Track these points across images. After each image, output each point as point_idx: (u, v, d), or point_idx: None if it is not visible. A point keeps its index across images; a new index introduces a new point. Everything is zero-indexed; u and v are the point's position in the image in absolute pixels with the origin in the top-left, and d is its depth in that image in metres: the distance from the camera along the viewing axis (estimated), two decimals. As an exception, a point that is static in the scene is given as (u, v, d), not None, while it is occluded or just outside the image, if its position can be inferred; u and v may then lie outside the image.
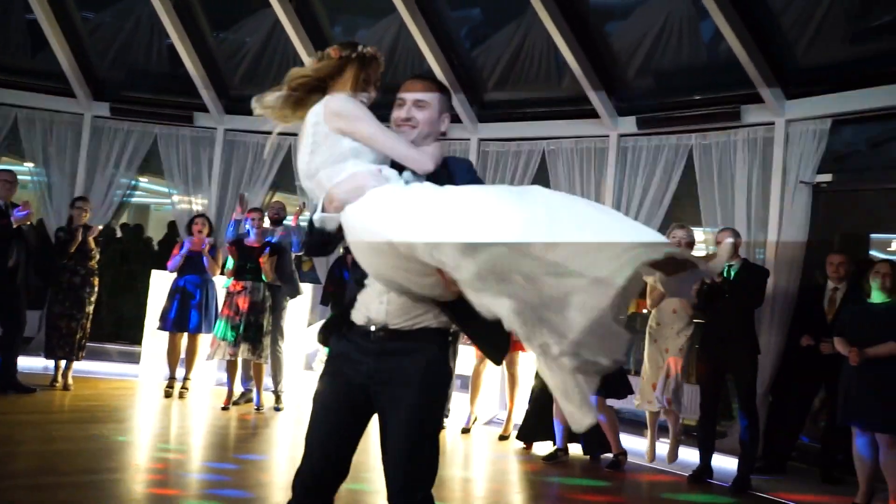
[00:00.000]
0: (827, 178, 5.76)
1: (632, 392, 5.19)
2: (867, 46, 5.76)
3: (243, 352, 5.95)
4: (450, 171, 2.15)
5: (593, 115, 6.96)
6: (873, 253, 6.06)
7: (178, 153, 8.52)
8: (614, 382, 4.95)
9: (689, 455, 5.16)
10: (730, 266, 5.07)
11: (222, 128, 8.49)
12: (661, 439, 5.31)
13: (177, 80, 8.60)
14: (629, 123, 6.85)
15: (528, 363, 5.97)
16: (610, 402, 5.18)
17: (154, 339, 7.14)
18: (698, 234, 6.33)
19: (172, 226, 8.92)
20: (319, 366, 6.26)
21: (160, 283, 7.19)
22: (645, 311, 5.55)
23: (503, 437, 5.86)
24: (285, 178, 8.43)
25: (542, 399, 5.31)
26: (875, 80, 5.51)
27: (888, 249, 6.08)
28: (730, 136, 6.30)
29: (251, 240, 6.07)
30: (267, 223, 6.43)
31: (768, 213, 5.98)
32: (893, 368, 4.40)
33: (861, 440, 4.60)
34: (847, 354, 4.50)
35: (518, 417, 5.82)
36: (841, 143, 5.77)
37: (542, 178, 7.40)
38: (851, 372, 4.53)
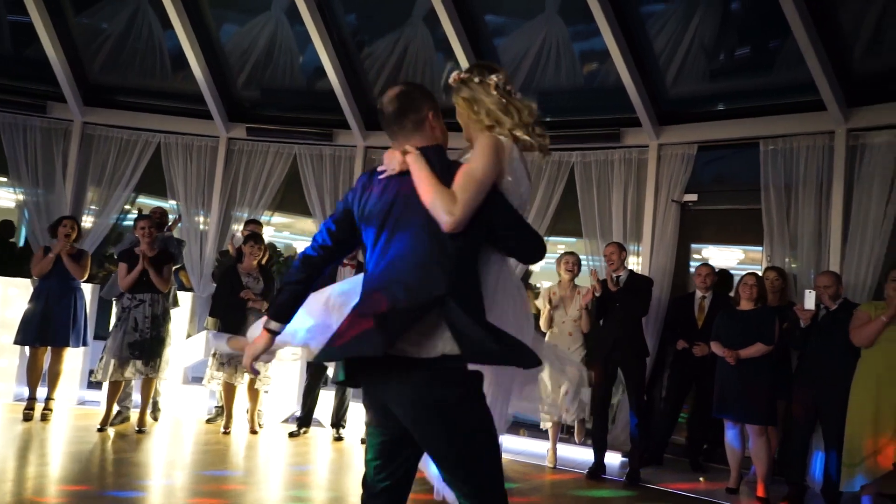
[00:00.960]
0: (693, 197, 6.44)
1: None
2: (725, 83, 6.51)
3: (135, 370, 5.51)
4: None
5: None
6: (730, 265, 6.86)
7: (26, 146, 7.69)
8: None
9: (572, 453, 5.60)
10: (618, 276, 5.52)
11: (80, 120, 7.78)
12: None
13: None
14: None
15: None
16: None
17: (5, 355, 6.39)
18: (579, 244, 6.84)
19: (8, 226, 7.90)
20: (211, 380, 5.96)
21: (12, 291, 6.45)
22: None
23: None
24: (154, 180, 7.89)
25: None
26: (733, 113, 6.27)
27: (741, 261, 6.89)
28: (608, 155, 6.84)
29: (143, 248, 5.61)
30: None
31: (642, 228, 6.56)
32: (760, 367, 5.04)
33: (732, 431, 5.22)
34: (724, 356, 5.08)
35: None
36: (704, 166, 6.47)
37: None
38: (724, 371, 5.13)
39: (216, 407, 6.40)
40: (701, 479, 5.49)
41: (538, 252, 2.30)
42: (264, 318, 2.26)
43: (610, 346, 5.38)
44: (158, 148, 7.87)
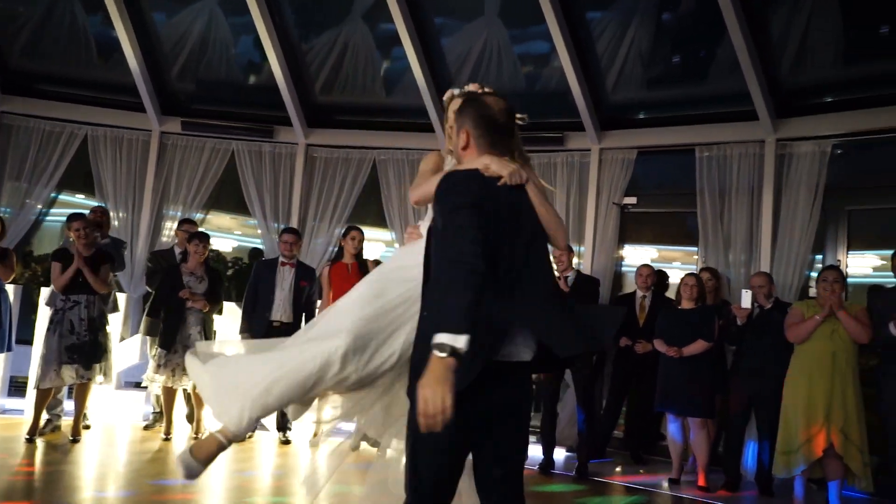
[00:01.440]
0: (632, 200, 6.69)
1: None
2: (663, 91, 6.80)
3: (73, 375, 5.21)
4: None
5: (428, 128, 7.23)
6: (667, 265, 7.16)
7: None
8: None
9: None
10: (566, 276, 5.67)
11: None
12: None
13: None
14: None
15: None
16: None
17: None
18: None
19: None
20: (150, 383, 5.72)
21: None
22: None
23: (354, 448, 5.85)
24: (79, 175, 7.49)
25: None
26: (671, 120, 6.56)
27: (677, 263, 7.21)
28: (551, 158, 7.01)
29: (79, 249, 5.31)
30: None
31: (584, 229, 6.76)
32: (701, 363, 5.30)
33: (674, 425, 5.46)
34: (668, 353, 5.31)
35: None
36: (643, 170, 6.73)
37: (373, 187, 7.50)
38: (667, 367, 5.36)
39: (154, 412, 6.14)
40: (641, 470, 5.72)
41: None
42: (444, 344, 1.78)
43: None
44: (85, 141, 7.47)
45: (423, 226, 2.41)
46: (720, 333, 5.42)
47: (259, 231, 7.62)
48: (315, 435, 5.81)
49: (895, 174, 5.90)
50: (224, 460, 5.30)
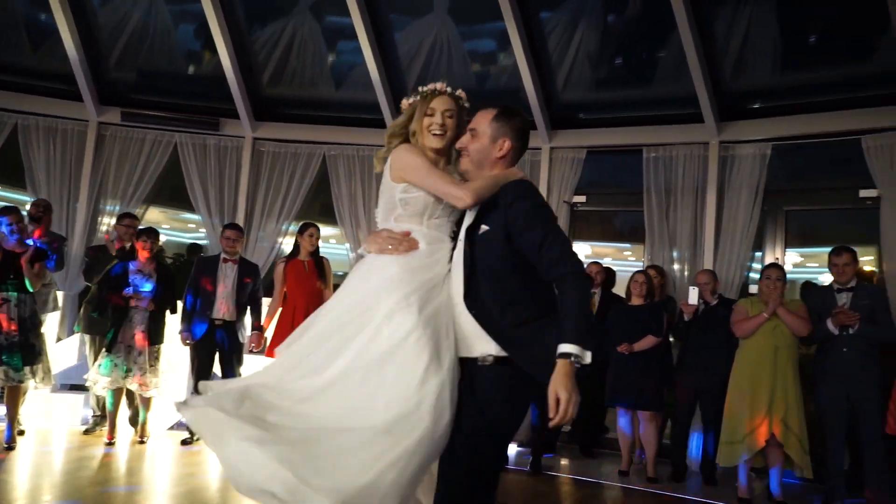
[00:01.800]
0: (582, 198, 6.82)
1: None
2: (612, 92, 6.95)
3: (3, 377, 4.93)
4: (497, 201, 2.18)
5: (381, 125, 7.17)
6: (614, 262, 7.34)
7: None
8: None
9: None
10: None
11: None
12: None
13: None
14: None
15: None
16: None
17: None
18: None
19: None
20: (93, 385, 5.49)
21: None
22: None
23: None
24: (9, 166, 7.10)
25: None
26: (619, 121, 6.71)
27: (623, 260, 7.41)
28: (502, 157, 7.05)
29: (11, 244, 5.03)
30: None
31: (535, 227, 6.84)
32: (650, 358, 5.46)
33: (624, 419, 5.62)
34: (619, 349, 5.45)
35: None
36: (592, 170, 6.87)
37: (323, 182, 7.39)
38: (617, 363, 5.50)
39: (94, 416, 5.90)
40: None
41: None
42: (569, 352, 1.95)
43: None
44: (15, 130, 7.09)
45: (396, 227, 2.28)
46: (668, 329, 5.60)
47: (190, 225, 7.41)
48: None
49: (829, 176, 6.23)
50: (173, 464, 5.16)
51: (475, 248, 2.17)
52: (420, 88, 2.39)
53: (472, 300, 2.12)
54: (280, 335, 5.64)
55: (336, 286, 7.18)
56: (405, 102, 2.41)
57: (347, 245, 7.33)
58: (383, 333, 2.06)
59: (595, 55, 6.84)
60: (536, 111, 6.64)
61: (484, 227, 2.17)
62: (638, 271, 5.82)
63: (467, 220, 2.25)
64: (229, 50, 6.91)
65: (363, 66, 7.30)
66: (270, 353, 5.73)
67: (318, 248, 5.87)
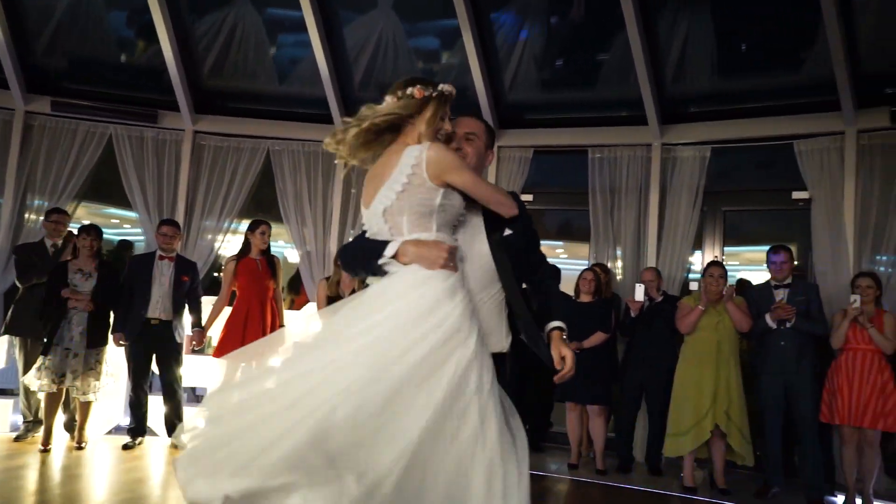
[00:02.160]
0: (529, 197, 6.91)
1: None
2: (558, 93, 7.08)
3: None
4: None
5: (329, 120, 7.07)
6: (560, 261, 7.47)
7: None
8: None
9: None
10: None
11: None
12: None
13: None
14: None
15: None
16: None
17: None
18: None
19: None
20: (30, 388, 5.19)
21: None
22: None
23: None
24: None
25: None
26: (566, 122, 6.85)
27: (569, 259, 7.55)
28: (450, 155, 7.07)
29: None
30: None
31: (483, 225, 6.89)
32: (599, 353, 5.60)
33: (573, 414, 5.75)
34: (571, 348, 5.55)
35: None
36: (539, 168, 6.97)
37: (267, 177, 7.22)
38: (567, 358, 5.61)
39: (26, 422, 5.58)
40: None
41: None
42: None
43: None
44: (-69, 118, 6.63)
45: (419, 236, 2.12)
46: (615, 325, 5.76)
47: (114, 221, 7.11)
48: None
49: (764, 179, 6.54)
50: (112, 469, 4.94)
51: (495, 251, 2.29)
52: (442, 87, 2.25)
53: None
54: (231, 336, 5.50)
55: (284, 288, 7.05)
56: (418, 91, 2.19)
57: (292, 244, 7.19)
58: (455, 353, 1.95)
59: (539, 56, 6.95)
60: (486, 110, 6.70)
61: (508, 231, 2.30)
62: (586, 269, 5.96)
63: (472, 225, 2.30)
64: (171, 39, 6.64)
65: (308, 61, 7.18)
66: (219, 354, 5.57)
67: (269, 246, 5.76)
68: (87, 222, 6.10)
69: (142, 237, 7.16)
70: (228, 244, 7.18)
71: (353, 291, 5.55)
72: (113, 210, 7.93)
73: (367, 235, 2.23)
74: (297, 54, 7.45)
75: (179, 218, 6.86)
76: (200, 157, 7.18)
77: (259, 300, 5.54)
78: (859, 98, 5.63)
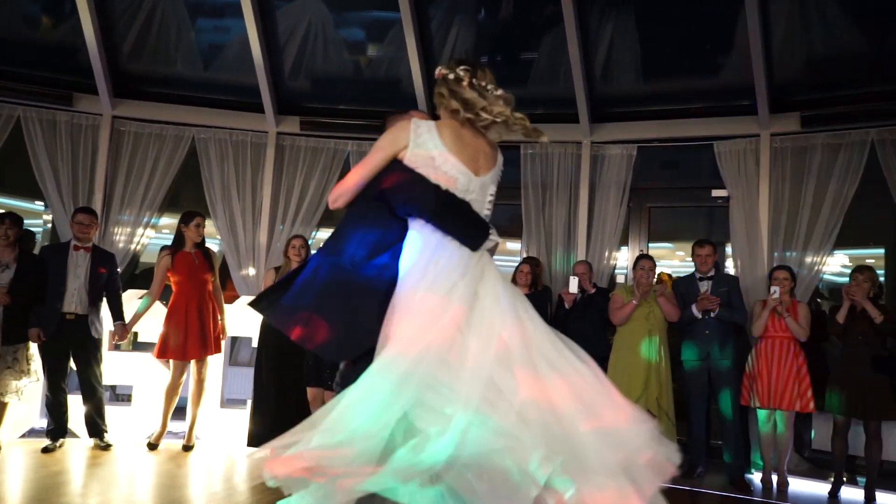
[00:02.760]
0: (462, 191, 6.97)
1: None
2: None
3: None
4: None
5: (258, 108, 6.87)
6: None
7: None
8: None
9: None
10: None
11: None
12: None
13: None
14: (293, 123, 7.00)
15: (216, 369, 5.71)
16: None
17: None
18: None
19: None
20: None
21: None
22: None
23: (187, 448, 5.45)
24: None
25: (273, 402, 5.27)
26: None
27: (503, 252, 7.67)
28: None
29: None
30: None
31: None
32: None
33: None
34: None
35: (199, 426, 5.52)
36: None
37: (192, 165, 6.94)
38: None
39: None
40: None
41: (429, 202, 2.28)
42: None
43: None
44: None
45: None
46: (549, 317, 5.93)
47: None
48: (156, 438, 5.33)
49: (686, 177, 6.91)
50: (39, 474, 4.63)
51: None
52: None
53: None
54: (173, 333, 5.28)
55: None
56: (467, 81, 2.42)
57: (217, 237, 6.95)
58: None
59: (470, 52, 7.03)
60: (422, 105, 6.72)
61: None
62: (523, 261, 6.10)
63: None
64: (91, 14, 6.25)
65: (234, 46, 6.96)
66: (161, 353, 5.34)
67: (204, 238, 5.55)
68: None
69: (41, 228, 6.72)
70: (149, 240, 6.87)
71: None
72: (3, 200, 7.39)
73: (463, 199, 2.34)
74: (222, 39, 7.20)
75: (97, 208, 6.47)
76: (119, 143, 6.81)
77: (198, 294, 5.34)
78: (773, 103, 6.03)
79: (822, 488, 5.16)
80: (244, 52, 6.67)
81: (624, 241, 6.71)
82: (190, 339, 5.25)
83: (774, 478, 5.23)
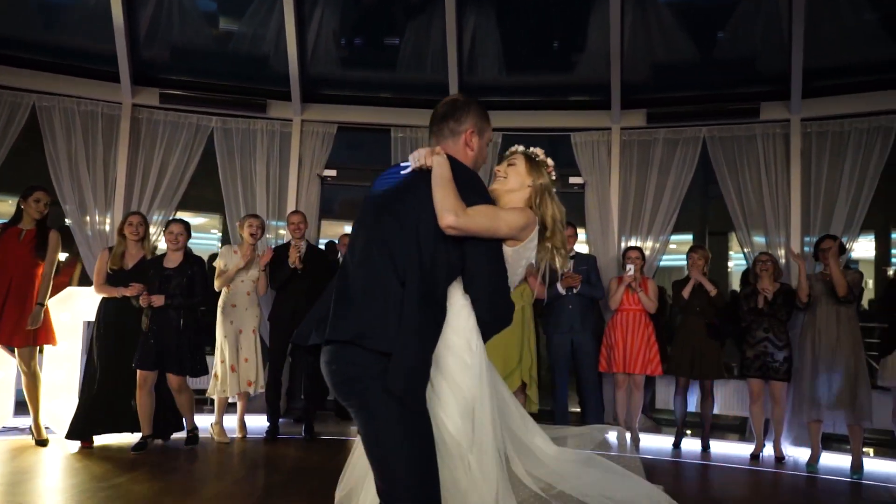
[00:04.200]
0: (332, 172, 6.98)
1: (206, 373, 5.26)
2: (361, 72, 7.22)
3: None
4: None
5: (112, 77, 6.37)
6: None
7: None
8: (193, 361, 5.03)
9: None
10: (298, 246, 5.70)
11: None
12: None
13: None
14: (151, 95, 6.58)
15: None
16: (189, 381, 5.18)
17: None
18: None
19: None
20: None
21: None
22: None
23: (41, 443, 4.99)
24: None
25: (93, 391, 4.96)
26: (370, 101, 7.03)
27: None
28: (250, 126, 6.84)
29: None
30: None
31: (286, 200, 6.81)
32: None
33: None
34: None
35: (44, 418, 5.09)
36: (342, 145, 7.07)
37: (34, 136, 6.29)
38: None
39: None
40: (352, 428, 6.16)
41: (501, 313, 2.22)
42: None
43: (289, 314, 5.56)
44: None
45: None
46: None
47: None
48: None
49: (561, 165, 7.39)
50: None
51: None
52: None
53: None
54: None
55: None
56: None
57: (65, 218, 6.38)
58: None
59: (339, 33, 7.03)
60: (294, 82, 6.62)
61: None
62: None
63: None
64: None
65: (83, 7, 6.41)
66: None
67: (45, 216, 5.06)
68: None
69: None
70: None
71: (141, 261, 5.14)
72: None
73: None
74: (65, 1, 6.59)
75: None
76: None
77: (16, 277, 4.86)
78: (623, 100, 6.67)
79: (666, 442, 5.87)
80: (97, 13, 6.15)
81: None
82: (3, 325, 4.82)
83: (628, 435, 5.85)
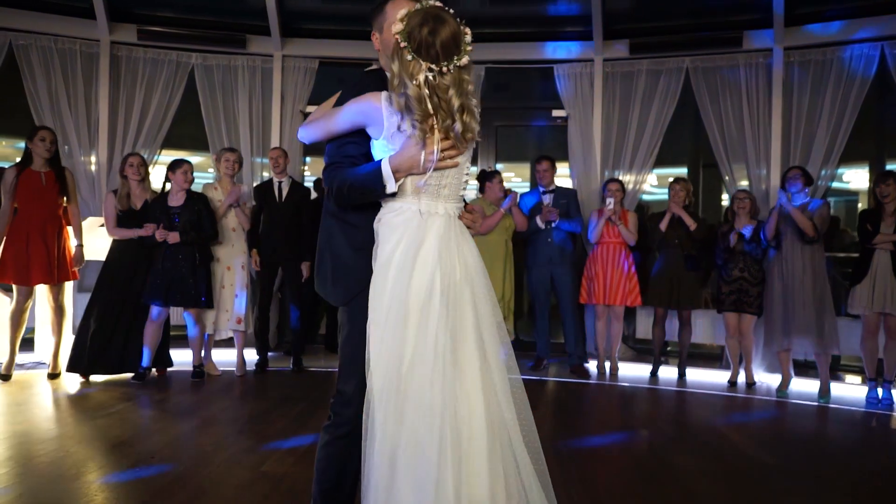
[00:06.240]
0: (313, 108, 6.93)
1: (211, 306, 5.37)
2: (341, 5, 7.09)
3: None
4: None
5: (87, 14, 6.29)
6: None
7: None
8: (208, 295, 5.17)
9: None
10: (280, 182, 5.73)
11: None
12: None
13: None
14: (129, 32, 6.50)
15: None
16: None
17: None
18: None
19: None
20: None
21: None
22: None
23: (53, 376, 5.17)
24: None
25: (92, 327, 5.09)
26: (352, 34, 6.92)
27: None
28: (230, 62, 6.78)
29: None
30: None
31: (270, 136, 6.81)
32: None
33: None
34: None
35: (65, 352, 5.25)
36: (325, 80, 7.00)
37: (15, 75, 6.25)
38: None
39: None
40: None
41: (335, 196, 2.06)
42: None
43: (271, 248, 5.65)
44: None
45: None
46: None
47: None
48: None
49: (530, 98, 7.38)
50: None
51: None
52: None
53: None
54: (14, 256, 4.89)
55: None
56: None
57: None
58: None
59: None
60: (273, 16, 6.52)
61: None
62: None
63: None
64: None
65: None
66: (1, 279, 4.95)
67: (57, 155, 5.10)
68: None
69: None
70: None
71: (146, 203, 5.21)
72: None
73: None
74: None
75: None
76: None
77: (43, 217, 4.95)
78: (606, 31, 6.57)
79: (644, 370, 6.06)
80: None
81: (474, 161, 7.09)
82: (33, 264, 4.90)
83: (607, 364, 6.05)
